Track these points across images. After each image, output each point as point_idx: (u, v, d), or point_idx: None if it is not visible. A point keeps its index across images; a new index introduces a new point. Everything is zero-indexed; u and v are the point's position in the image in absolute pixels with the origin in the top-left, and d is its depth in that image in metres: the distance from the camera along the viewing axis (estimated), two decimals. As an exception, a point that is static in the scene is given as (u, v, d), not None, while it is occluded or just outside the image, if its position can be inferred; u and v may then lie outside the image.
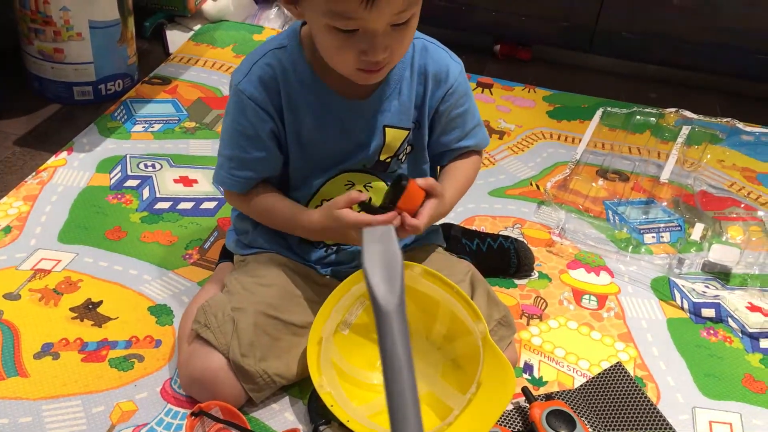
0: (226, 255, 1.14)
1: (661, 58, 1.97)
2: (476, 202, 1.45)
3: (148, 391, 1.00)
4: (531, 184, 1.53)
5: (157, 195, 1.36)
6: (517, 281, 1.26)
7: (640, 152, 1.64)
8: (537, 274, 1.28)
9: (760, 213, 1.45)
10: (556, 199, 1.45)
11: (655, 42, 1.94)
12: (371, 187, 1.05)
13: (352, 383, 0.98)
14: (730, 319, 1.22)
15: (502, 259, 1.25)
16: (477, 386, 0.90)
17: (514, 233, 1.37)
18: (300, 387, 1.01)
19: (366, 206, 0.91)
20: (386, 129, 1.01)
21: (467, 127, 1.06)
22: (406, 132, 1.03)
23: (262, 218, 1.04)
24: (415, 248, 1.10)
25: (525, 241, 1.29)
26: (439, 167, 1.09)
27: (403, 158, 1.05)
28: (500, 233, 1.32)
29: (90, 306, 1.11)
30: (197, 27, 1.98)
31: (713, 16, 1.86)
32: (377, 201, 0.95)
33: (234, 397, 0.95)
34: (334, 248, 1.06)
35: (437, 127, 1.04)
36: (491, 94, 1.85)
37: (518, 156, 1.62)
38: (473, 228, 1.34)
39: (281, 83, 0.95)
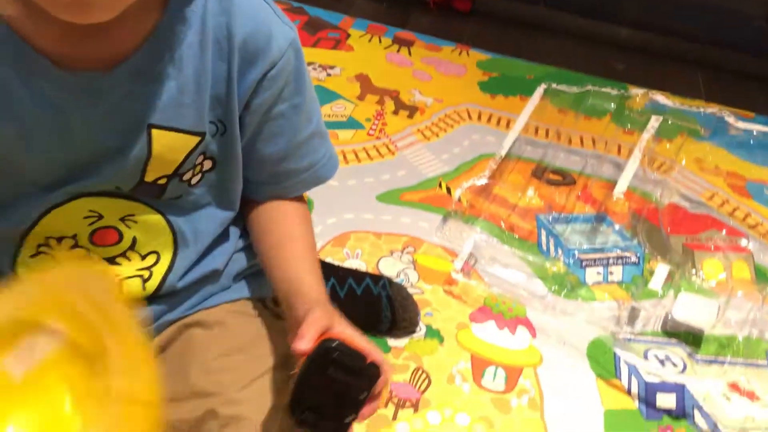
0: None
1: (633, 19, 1.57)
2: (357, 209, 1.03)
3: None
4: (440, 186, 1.11)
5: None
6: (392, 342, 0.85)
7: (594, 144, 1.22)
8: (424, 329, 0.88)
9: (747, 242, 1.06)
10: (470, 210, 1.04)
11: (627, -2, 1.53)
12: (134, 222, 0.61)
13: None
14: (697, 413, 0.83)
15: (368, 310, 0.84)
16: None
17: (403, 261, 0.96)
18: None
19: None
20: (153, 130, 0.57)
21: (299, 135, 0.63)
22: (196, 139, 0.59)
23: None
24: (212, 309, 0.68)
25: (406, 280, 0.89)
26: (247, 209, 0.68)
27: (196, 180, 0.62)
28: (368, 272, 0.91)
29: None
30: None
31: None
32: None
33: None
34: None
35: (246, 131, 0.62)
36: (409, 54, 1.41)
37: (430, 143, 1.19)
38: (341, 255, 0.93)
39: None
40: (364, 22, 1.47)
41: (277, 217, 0.68)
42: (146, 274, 0.64)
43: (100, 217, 0.61)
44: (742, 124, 1.13)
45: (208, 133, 0.60)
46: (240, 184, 0.66)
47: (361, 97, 1.26)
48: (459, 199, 1.05)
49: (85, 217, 0.61)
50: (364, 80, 1.30)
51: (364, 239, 0.99)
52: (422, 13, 1.62)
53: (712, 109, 1.19)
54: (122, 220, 0.62)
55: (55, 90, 0.54)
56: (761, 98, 1.44)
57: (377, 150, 1.16)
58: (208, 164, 0.63)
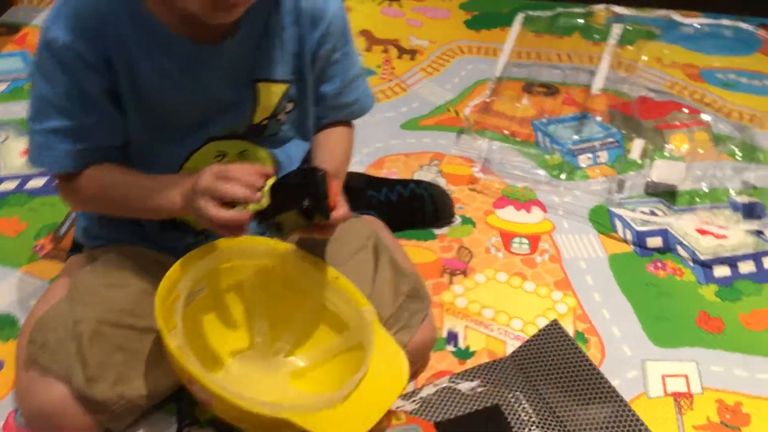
0: (78, 246, 0.94)
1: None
2: (385, 139, 1.25)
3: (-13, 429, 0.81)
4: (448, 110, 1.33)
5: (1, 173, 1.13)
6: (436, 231, 1.08)
7: (570, 58, 1.45)
8: (459, 220, 1.11)
9: (705, 116, 1.29)
10: (477, 125, 1.27)
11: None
12: (248, 155, 0.84)
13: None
14: (679, 247, 1.07)
15: (415, 207, 1.07)
16: (364, 374, 0.74)
17: (431, 172, 1.19)
18: (177, 402, 0.83)
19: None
20: (257, 84, 0.80)
21: (348, 76, 0.86)
22: (285, 86, 0.82)
23: (103, 203, 0.81)
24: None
25: (440, 184, 1.11)
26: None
27: (284, 118, 0.85)
28: (412, 178, 1.14)
29: None
30: (51, -41, 1.68)
31: None
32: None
33: (86, 430, 0.76)
34: (206, 234, 0.86)
35: (313, 76, 0.85)
36: (400, 6, 1.62)
37: (433, 78, 1.41)
38: (381, 175, 1.15)
39: (105, 25, 0.73)
40: (356, -16, 1.67)
41: (327, 131, 0.90)
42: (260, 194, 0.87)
43: (224, 155, 0.84)
44: (689, 20, 1.35)
45: (291, 81, 0.83)
46: (311, 120, 0.89)
47: (368, 49, 1.48)
48: (467, 118, 1.28)
49: (215, 157, 0.83)
50: (367, 35, 1.51)
51: (396, 160, 1.22)
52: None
53: (662, 12, 1.41)
54: (240, 154, 0.84)
55: (185, 56, 0.76)
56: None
57: (392, 90, 1.37)
58: (290, 106, 0.85)
